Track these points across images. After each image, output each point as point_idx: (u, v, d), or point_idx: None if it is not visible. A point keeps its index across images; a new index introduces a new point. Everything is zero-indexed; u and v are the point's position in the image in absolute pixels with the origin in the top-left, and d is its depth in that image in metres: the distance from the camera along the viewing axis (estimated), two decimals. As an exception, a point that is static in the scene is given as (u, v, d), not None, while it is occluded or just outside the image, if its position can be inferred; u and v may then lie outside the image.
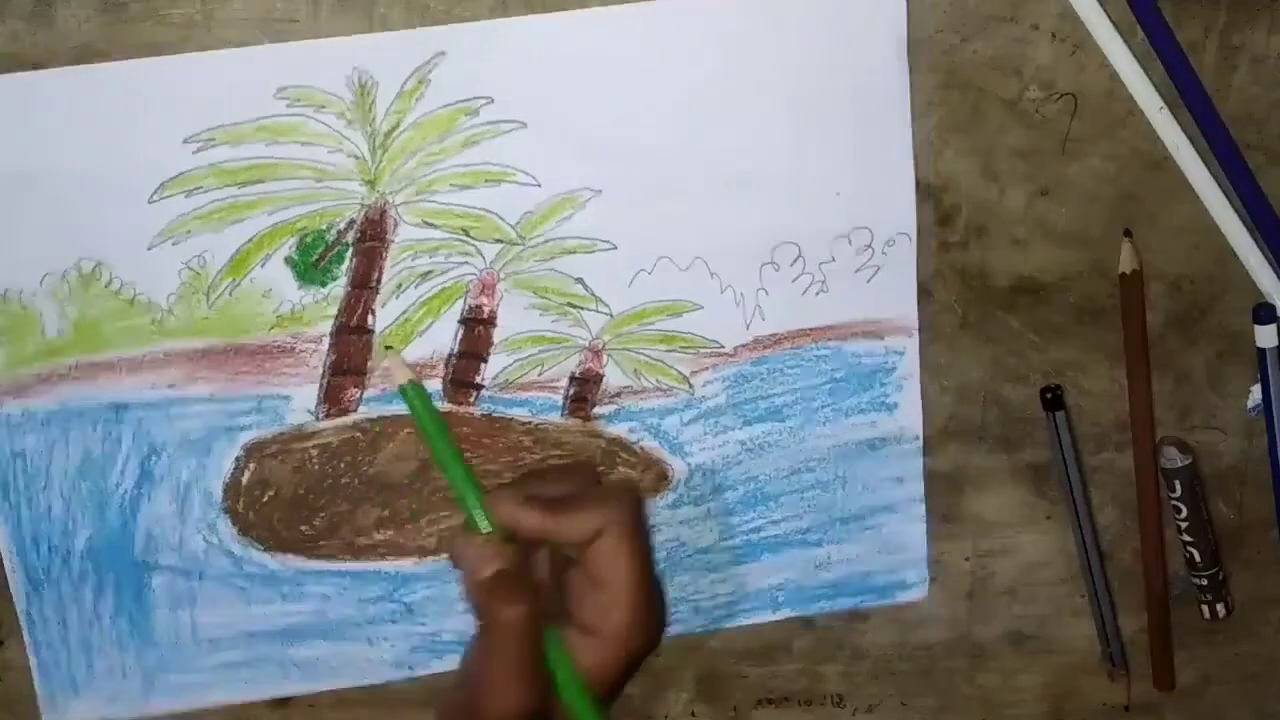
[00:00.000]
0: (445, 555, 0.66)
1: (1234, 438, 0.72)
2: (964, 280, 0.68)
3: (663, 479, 0.69)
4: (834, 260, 0.66)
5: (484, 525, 0.59)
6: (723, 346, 0.67)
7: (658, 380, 0.67)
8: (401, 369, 0.61)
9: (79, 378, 0.64)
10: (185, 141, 0.61)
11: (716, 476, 0.69)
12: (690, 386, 0.68)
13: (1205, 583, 0.73)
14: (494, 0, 0.61)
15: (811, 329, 0.68)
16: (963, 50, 0.65)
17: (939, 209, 0.67)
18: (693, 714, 0.73)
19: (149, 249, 0.62)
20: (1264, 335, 0.69)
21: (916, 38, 0.64)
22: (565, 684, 0.59)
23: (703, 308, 0.67)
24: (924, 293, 0.68)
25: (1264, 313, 0.69)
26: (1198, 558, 0.73)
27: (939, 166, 0.66)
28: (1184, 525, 0.72)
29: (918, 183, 0.66)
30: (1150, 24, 0.65)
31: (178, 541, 0.67)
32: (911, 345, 0.68)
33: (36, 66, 0.59)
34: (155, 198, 0.62)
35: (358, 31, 0.61)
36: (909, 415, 0.69)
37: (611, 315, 0.66)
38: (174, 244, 0.62)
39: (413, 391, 0.60)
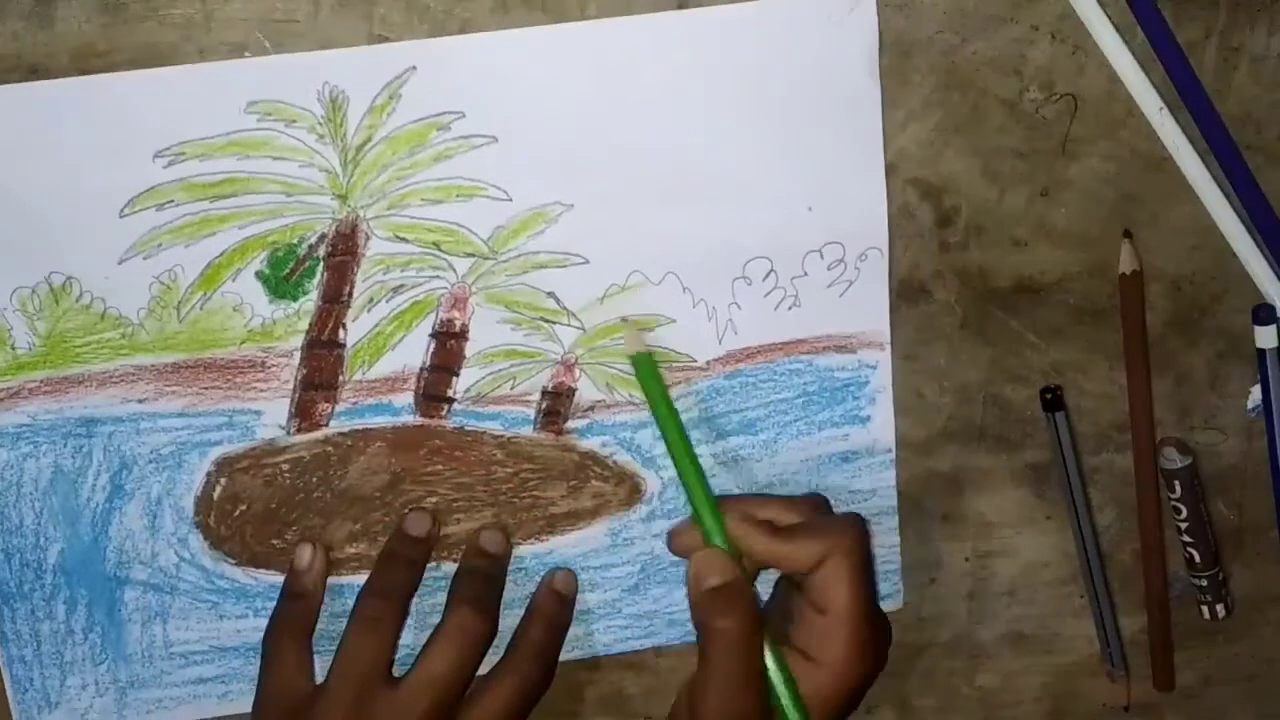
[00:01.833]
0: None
1: (1234, 438, 0.72)
2: (964, 280, 0.68)
3: (636, 493, 0.69)
4: (806, 274, 0.66)
5: (716, 537, 0.62)
6: (695, 360, 0.67)
7: (630, 394, 0.67)
8: (635, 341, 0.64)
9: (49, 392, 0.64)
10: (156, 156, 0.61)
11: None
12: (663, 400, 0.68)
13: (1205, 583, 0.73)
14: (493, 1, 0.61)
15: (784, 343, 0.68)
16: (963, 50, 0.65)
17: (939, 209, 0.67)
18: (691, 715, 0.74)
19: (120, 263, 0.62)
20: (1264, 336, 0.69)
21: (916, 38, 0.64)
22: (784, 702, 0.61)
23: (675, 322, 0.67)
24: (924, 292, 0.68)
25: (1264, 313, 0.69)
26: (1198, 558, 0.73)
27: (939, 166, 0.66)
28: (1184, 526, 0.72)
29: (918, 183, 0.66)
30: (1150, 24, 0.65)
31: (149, 556, 0.67)
32: (884, 359, 0.68)
33: (36, 67, 0.59)
34: (126, 212, 0.62)
35: (358, 31, 0.61)
36: (881, 428, 0.69)
37: (584, 329, 0.66)
38: (145, 258, 0.62)
39: (641, 361, 0.63)
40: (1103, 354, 0.70)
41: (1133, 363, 0.70)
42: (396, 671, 0.65)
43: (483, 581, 0.67)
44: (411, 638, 0.66)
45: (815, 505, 0.66)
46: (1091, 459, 0.72)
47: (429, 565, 0.68)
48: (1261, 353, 0.70)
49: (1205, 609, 0.74)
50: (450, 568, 0.68)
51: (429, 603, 0.67)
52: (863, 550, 0.62)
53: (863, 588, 0.61)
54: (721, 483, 0.69)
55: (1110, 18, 0.64)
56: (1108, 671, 0.76)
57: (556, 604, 0.68)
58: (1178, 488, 0.71)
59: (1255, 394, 0.71)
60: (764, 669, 0.61)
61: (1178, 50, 0.65)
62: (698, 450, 0.67)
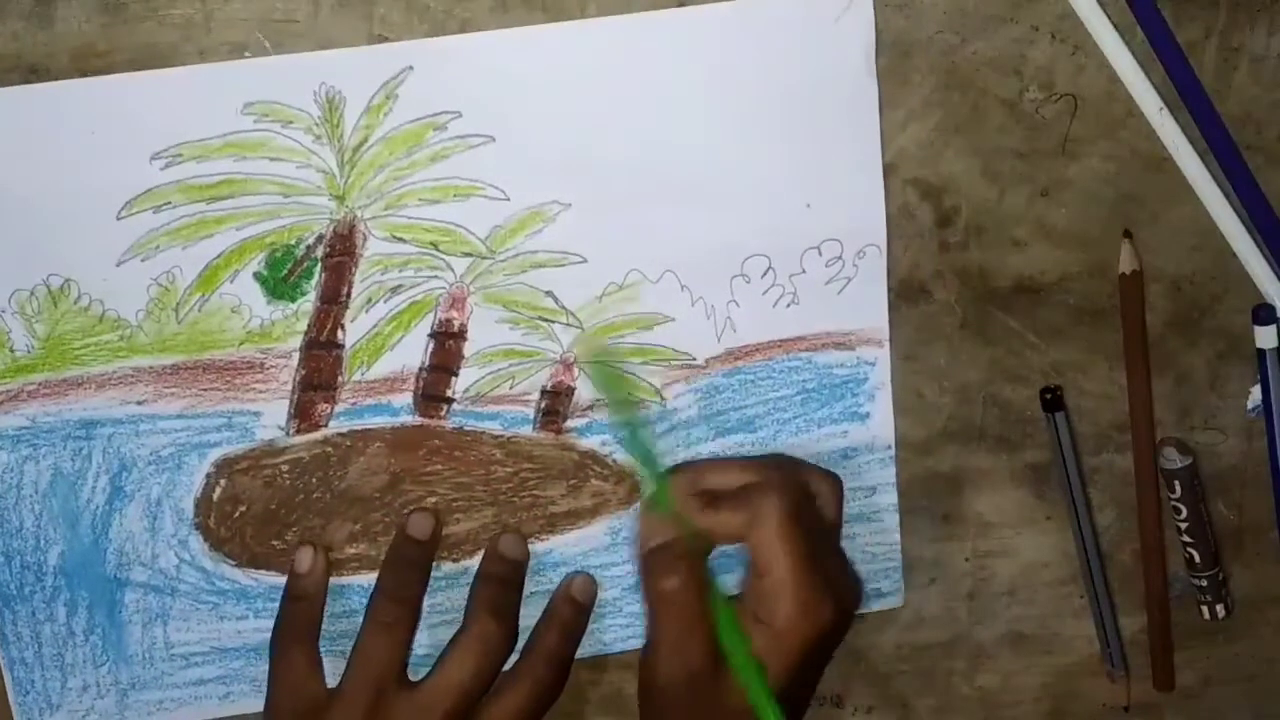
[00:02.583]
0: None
1: (1234, 438, 0.72)
2: (964, 280, 0.68)
3: (635, 491, 0.69)
4: (804, 272, 0.66)
5: (661, 502, 0.63)
6: (694, 359, 0.67)
7: (630, 394, 0.67)
8: (588, 350, 0.65)
9: (48, 394, 0.64)
10: (153, 158, 0.61)
11: (690, 488, 0.69)
12: (662, 399, 0.68)
13: (1205, 583, 0.73)
14: (493, 1, 0.61)
15: (782, 340, 0.68)
16: (963, 50, 0.65)
17: (939, 209, 0.67)
18: (690, 716, 0.74)
19: (117, 265, 0.62)
20: (1264, 336, 0.69)
21: (916, 38, 0.64)
22: (737, 661, 0.61)
23: (674, 320, 0.67)
24: (923, 293, 0.68)
25: (1264, 313, 0.69)
26: (1198, 558, 0.73)
27: (939, 166, 0.66)
28: (1184, 526, 0.72)
29: (917, 182, 0.66)
30: (1150, 24, 0.65)
31: (150, 557, 0.67)
32: (883, 356, 0.68)
33: (36, 67, 0.59)
34: (123, 214, 0.62)
35: (358, 31, 0.61)
36: (881, 425, 0.69)
37: (582, 328, 0.66)
38: (143, 260, 0.62)
39: (597, 371, 0.65)
40: (1103, 354, 0.70)
41: (1133, 363, 0.70)
42: (410, 673, 0.65)
43: (502, 588, 0.67)
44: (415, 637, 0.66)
45: (769, 465, 0.65)
46: (1091, 459, 0.72)
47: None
48: (1261, 353, 0.70)
49: (1205, 609, 0.74)
50: (450, 568, 0.68)
51: (428, 603, 0.67)
52: (791, 511, 0.61)
53: (796, 549, 0.61)
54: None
55: (1110, 18, 0.64)
56: (1108, 671, 0.75)
57: (573, 610, 0.68)
58: (1178, 488, 0.71)
59: (1255, 394, 0.71)
60: (710, 628, 0.62)
61: (1178, 50, 0.65)
62: (697, 450, 0.68)
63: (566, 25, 0.62)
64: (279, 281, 0.64)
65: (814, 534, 0.62)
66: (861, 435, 0.70)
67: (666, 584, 0.62)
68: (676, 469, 0.66)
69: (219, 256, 0.63)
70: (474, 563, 0.68)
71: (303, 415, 0.66)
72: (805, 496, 0.63)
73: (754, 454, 0.68)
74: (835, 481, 0.65)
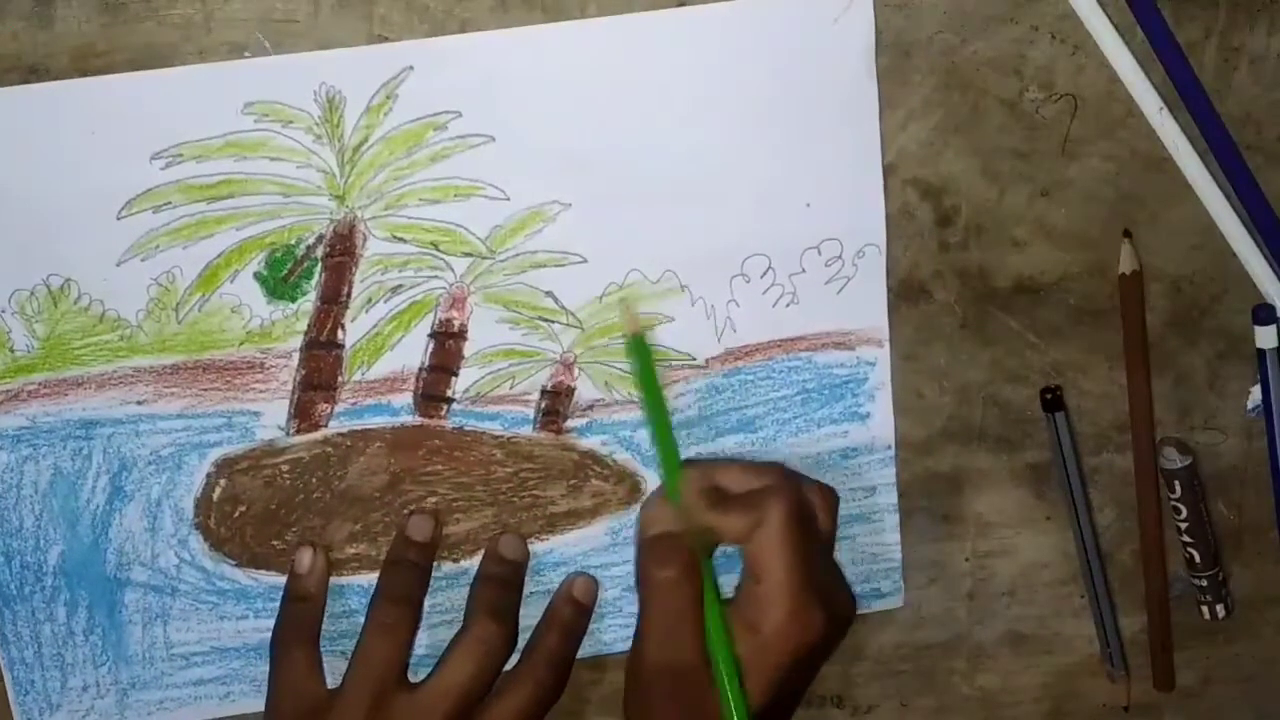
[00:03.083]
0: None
1: (1234, 438, 0.72)
2: (964, 280, 0.68)
3: (636, 491, 0.69)
4: (804, 271, 0.66)
5: (671, 493, 0.63)
6: (694, 359, 0.67)
7: (629, 393, 0.67)
8: (632, 320, 0.64)
9: (48, 394, 0.64)
10: (153, 158, 0.61)
11: (690, 488, 0.69)
12: (662, 399, 0.68)
13: (1205, 583, 0.73)
14: (493, 1, 0.61)
15: (782, 340, 0.68)
16: (963, 50, 0.65)
17: (939, 209, 0.67)
18: (691, 716, 0.74)
19: (118, 265, 0.62)
20: (1264, 336, 0.69)
21: (916, 38, 0.64)
22: (718, 661, 0.61)
23: (674, 320, 0.67)
24: (923, 293, 0.68)
25: (1264, 313, 0.69)
26: (1198, 558, 0.73)
27: (939, 166, 0.66)
28: (1184, 526, 0.72)
29: (917, 182, 0.66)
30: (1150, 24, 0.65)
31: (150, 557, 0.67)
32: (883, 355, 0.68)
33: (36, 67, 0.59)
34: (123, 214, 0.62)
35: (358, 31, 0.61)
36: (881, 425, 0.69)
37: (582, 328, 0.66)
38: (143, 260, 0.62)
39: (635, 344, 0.64)
40: (1103, 354, 0.70)
41: (1133, 363, 0.70)
42: (410, 674, 0.65)
43: (502, 589, 0.67)
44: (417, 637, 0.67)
45: (776, 473, 0.64)
46: (1091, 459, 0.72)
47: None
48: (1261, 353, 0.70)
49: (1205, 609, 0.74)
50: (450, 568, 0.69)
51: (428, 603, 0.67)
52: (793, 519, 0.61)
53: (794, 558, 0.61)
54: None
55: (1110, 18, 0.64)
56: (1108, 672, 0.75)
57: (574, 611, 0.68)
58: (1178, 488, 0.71)
59: (1255, 394, 0.71)
60: (701, 622, 0.62)
61: (1178, 50, 0.65)
62: (699, 449, 0.68)
63: (567, 25, 0.62)
64: (279, 281, 0.64)
65: (812, 546, 0.62)
66: (861, 435, 0.70)
67: (663, 573, 0.62)
68: (690, 463, 0.65)
69: (219, 256, 0.63)
70: (474, 563, 0.68)
71: (303, 415, 0.66)
72: (806, 508, 0.63)
73: (761, 459, 0.68)
74: (830, 494, 0.65)
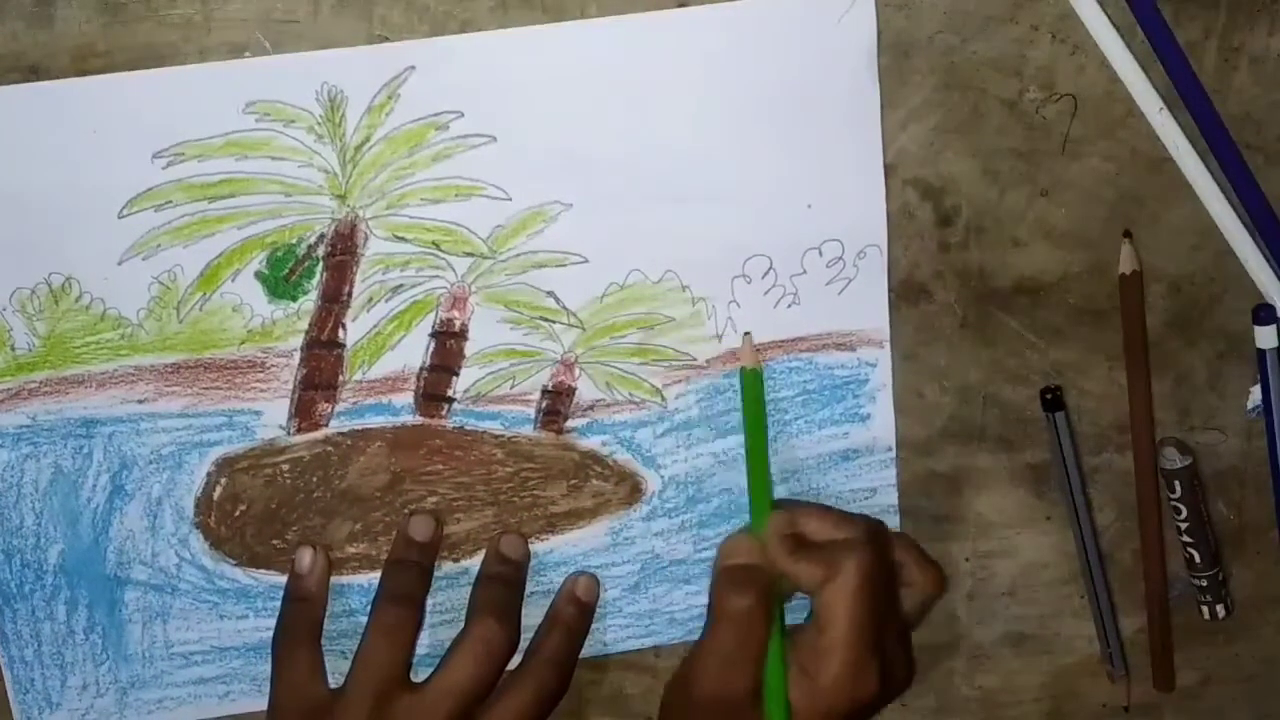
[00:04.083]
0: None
1: (1234, 438, 0.72)
2: (964, 280, 0.68)
3: (636, 492, 0.69)
4: (805, 272, 0.67)
5: (758, 526, 0.65)
6: (695, 359, 0.67)
7: (630, 393, 0.67)
8: (749, 353, 0.66)
9: (49, 393, 0.64)
10: (155, 157, 0.61)
11: (690, 489, 0.69)
12: (663, 399, 0.68)
13: (1205, 583, 0.73)
14: (494, 1, 0.61)
15: (783, 341, 0.68)
16: (963, 51, 0.65)
17: (939, 209, 0.67)
18: (691, 716, 0.74)
19: (119, 263, 0.62)
20: (1264, 336, 0.69)
21: (916, 38, 0.64)
22: (772, 702, 0.62)
23: (674, 320, 0.67)
24: (924, 292, 0.68)
25: (1264, 313, 0.69)
26: (1198, 558, 0.73)
27: (939, 166, 0.66)
28: (1184, 526, 0.72)
29: (917, 182, 0.66)
30: (1150, 24, 0.65)
31: (150, 556, 0.67)
32: (883, 357, 0.68)
33: (36, 67, 0.59)
34: (125, 213, 0.62)
35: (357, 31, 0.61)
36: (882, 426, 0.69)
37: (583, 328, 0.66)
38: (144, 259, 0.62)
39: (751, 378, 0.65)
40: (1103, 354, 0.70)
41: (1133, 363, 0.70)
42: (412, 674, 0.65)
43: (504, 589, 0.67)
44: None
45: (862, 528, 0.65)
46: (1091, 459, 0.72)
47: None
48: (1261, 353, 0.70)
49: (1205, 609, 0.74)
50: (450, 568, 0.69)
51: (430, 603, 0.67)
52: (868, 579, 0.62)
53: (861, 616, 0.62)
54: (722, 480, 0.69)
55: (1110, 18, 0.64)
56: (1108, 672, 0.75)
57: (577, 611, 0.69)
58: (1178, 488, 0.71)
59: (1255, 394, 0.71)
60: (761, 659, 0.62)
61: (1178, 50, 0.65)
62: (698, 449, 0.68)
63: (568, 25, 0.62)
64: (280, 280, 0.64)
65: (883, 609, 0.63)
66: (862, 436, 0.70)
67: (738, 602, 0.63)
68: (781, 503, 0.66)
69: (220, 255, 0.63)
70: (474, 563, 0.68)
71: (303, 414, 0.66)
72: (888, 571, 0.64)
73: (855, 512, 0.68)
74: (935, 576, 0.66)
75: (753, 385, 0.66)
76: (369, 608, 0.66)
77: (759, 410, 0.67)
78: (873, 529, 0.66)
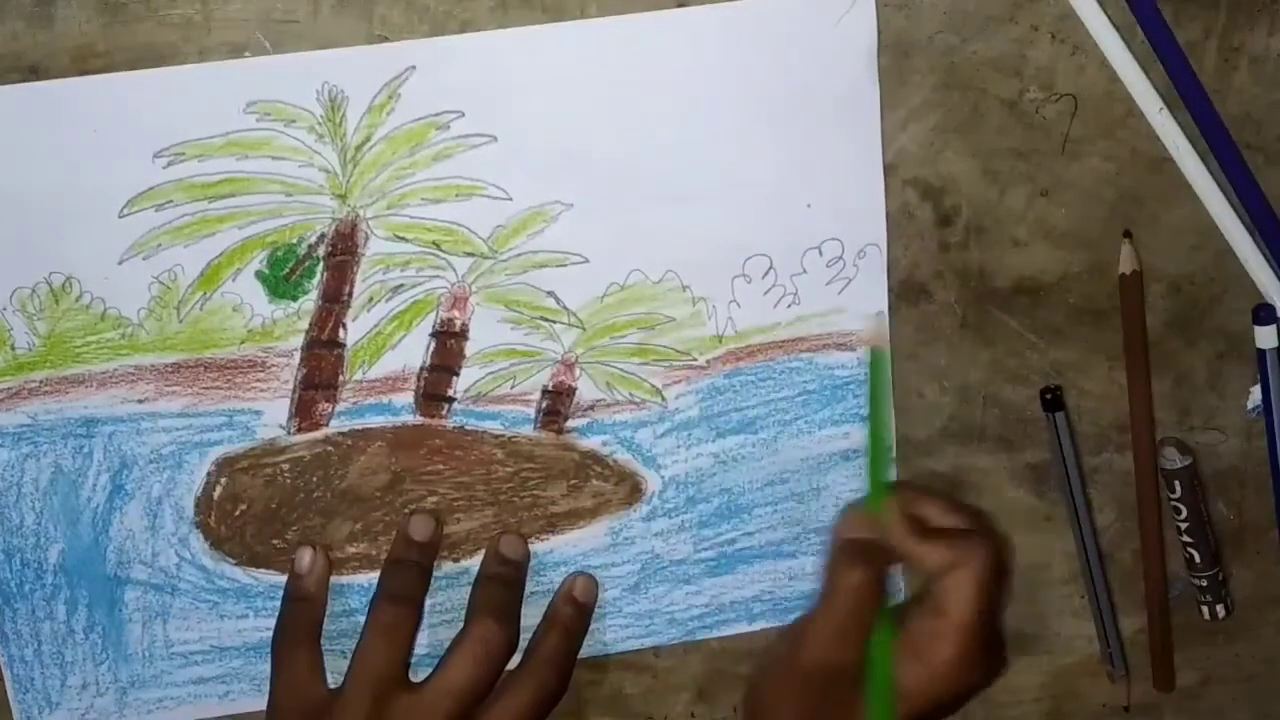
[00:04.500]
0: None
1: (1234, 438, 0.72)
2: (964, 280, 0.68)
3: (636, 492, 0.69)
4: (805, 272, 0.67)
5: (874, 504, 0.64)
6: (695, 359, 0.67)
7: (630, 393, 0.67)
8: (877, 335, 0.67)
9: (49, 392, 0.64)
10: (155, 156, 0.61)
11: (690, 489, 0.69)
12: (663, 399, 0.68)
13: (1205, 583, 0.73)
14: (494, 1, 0.61)
15: (783, 341, 0.68)
16: (962, 51, 0.65)
17: (939, 209, 0.67)
18: (692, 714, 0.73)
19: (119, 263, 0.62)
20: (1264, 336, 0.69)
21: (916, 38, 0.64)
22: (875, 678, 0.62)
23: (674, 320, 0.67)
24: (923, 293, 0.68)
25: (1264, 313, 0.69)
26: (1198, 558, 0.73)
27: (939, 166, 0.66)
28: (1184, 526, 0.72)
29: (917, 182, 0.66)
30: (1150, 24, 0.65)
31: (150, 556, 0.67)
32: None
33: (36, 67, 0.60)
34: (125, 212, 0.62)
35: (357, 31, 0.61)
36: (881, 427, 0.70)
37: (583, 328, 0.66)
38: (144, 258, 0.62)
39: (877, 358, 0.66)
40: (1103, 354, 0.70)
41: (1133, 363, 0.70)
42: (411, 674, 0.65)
43: (503, 589, 0.67)
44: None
45: (982, 518, 0.65)
46: (1091, 459, 0.72)
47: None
48: (1261, 353, 0.70)
49: (1205, 609, 0.74)
50: (450, 568, 0.69)
51: (428, 603, 0.67)
52: (993, 570, 0.62)
53: (983, 605, 0.62)
54: (722, 480, 0.69)
55: (1110, 18, 0.64)
56: (1108, 672, 0.75)
57: (576, 611, 0.69)
58: (1178, 488, 0.71)
59: (1255, 394, 0.71)
60: (870, 634, 0.62)
61: (1178, 50, 0.65)
62: (698, 449, 0.68)
63: (568, 25, 0.62)
64: (281, 280, 0.64)
65: (998, 601, 0.63)
66: (862, 436, 0.69)
67: (852, 575, 0.62)
68: (898, 484, 0.67)
69: (221, 255, 0.63)
70: (474, 563, 0.68)
71: (304, 414, 0.66)
72: (1004, 563, 0.64)
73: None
74: (1011, 558, 0.65)
75: (879, 365, 0.66)
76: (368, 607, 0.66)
77: (883, 390, 0.67)
78: (990, 518, 0.66)
